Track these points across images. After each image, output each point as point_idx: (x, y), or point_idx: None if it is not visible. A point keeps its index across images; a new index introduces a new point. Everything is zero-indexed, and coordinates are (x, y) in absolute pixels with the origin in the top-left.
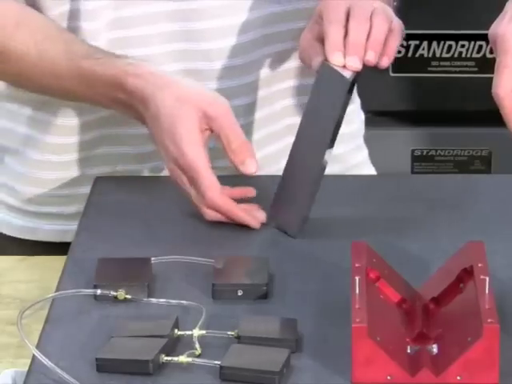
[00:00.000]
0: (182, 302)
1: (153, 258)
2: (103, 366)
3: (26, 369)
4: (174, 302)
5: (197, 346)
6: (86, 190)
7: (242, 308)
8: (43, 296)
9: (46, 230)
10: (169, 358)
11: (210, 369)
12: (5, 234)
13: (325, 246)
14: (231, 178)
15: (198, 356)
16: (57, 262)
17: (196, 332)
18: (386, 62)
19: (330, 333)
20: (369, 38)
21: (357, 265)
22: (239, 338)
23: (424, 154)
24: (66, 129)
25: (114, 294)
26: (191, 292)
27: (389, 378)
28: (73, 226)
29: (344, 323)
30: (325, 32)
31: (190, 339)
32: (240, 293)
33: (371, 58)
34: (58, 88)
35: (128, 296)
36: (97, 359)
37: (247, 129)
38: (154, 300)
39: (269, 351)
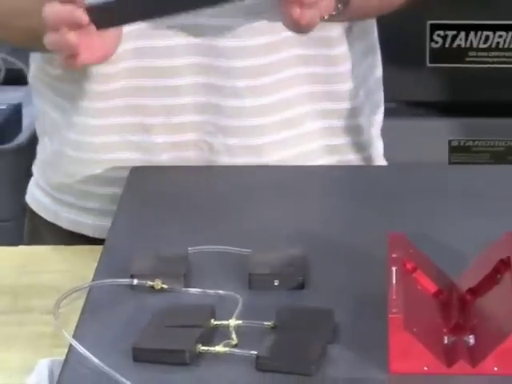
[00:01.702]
0: (219, 291)
1: (189, 248)
2: (139, 356)
3: (63, 358)
4: (210, 291)
5: (233, 335)
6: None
7: (278, 298)
8: (80, 286)
9: (89, 225)
10: (205, 348)
11: (247, 359)
12: (43, 218)
13: (361, 237)
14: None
15: (235, 346)
16: (94, 252)
17: (232, 322)
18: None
19: (366, 323)
20: None
21: (394, 255)
22: (275, 328)
23: (461, 144)
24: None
25: (151, 283)
26: (227, 282)
27: (425, 368)
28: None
29: (380, 314)
30: None
31: (227, 329)
32: (276, 283)
33: None
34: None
35: (164, 286)
36: (133, 349)
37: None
38: (190, 290)
39: (305, 341)
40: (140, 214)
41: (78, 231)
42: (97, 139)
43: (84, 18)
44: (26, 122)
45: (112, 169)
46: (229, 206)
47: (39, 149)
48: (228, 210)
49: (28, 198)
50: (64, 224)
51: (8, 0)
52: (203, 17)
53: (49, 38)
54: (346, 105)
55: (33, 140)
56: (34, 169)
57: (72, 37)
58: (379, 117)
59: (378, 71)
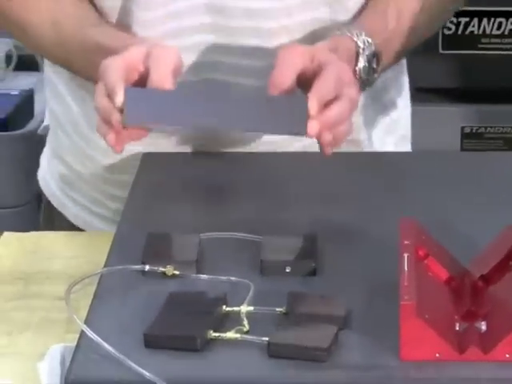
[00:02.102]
0: (231, 278)
1: (201, 234)
2: (151, 342)
3: (74, 344)
4: (222, 278)
5: (245, 322)
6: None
7: (290, 284)
8: (92, 271)
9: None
10: (216, 334)
11: (258, 345)
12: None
13: (373, 223)
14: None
15: (246, 332)
16: (105, 238)
17: (244, 308)
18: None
19: (378, 310)
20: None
21: (405, 242)
22: (287, 315)
23: (473, 131)
24: None
25: (163, 269)
26: (239, 268)
27: (437, 355)
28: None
29: (392, 301)
30: (315, 92)
31: (238, 315)
32: (288, 269)
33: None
34: (60, 54)
35: (176, 272)
36: (145, 335)
37: None
38: (202, 276)
39: (317, 328)
40: (152, 200)
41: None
42: None
43: (118, 126)
44: (37, 108)
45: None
46: (241, 193)
47: (51, 138)
48: (240, 197)
49: (41, 183)
50: (72, 218)
51: (61, 49)
52: None
53: (97, 124)
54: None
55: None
56: (44, 157)
57: (111, 138)
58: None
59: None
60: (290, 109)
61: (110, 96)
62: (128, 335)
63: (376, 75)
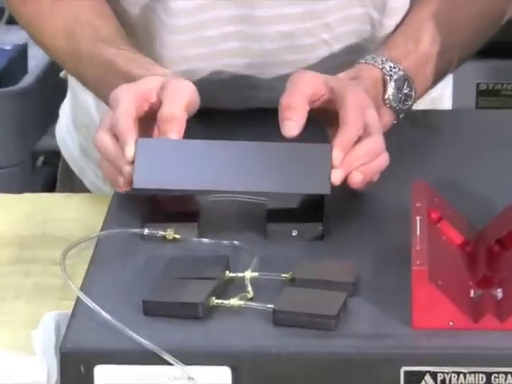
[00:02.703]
0: (234, 242)
1: (204, 197)
2: (150, 309)
3: (70, 311)
4: (225, 242)
5: (249, 288)
6: None
7: (296, 249)
8: (88, 235)
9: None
10: (219, 301)
11: (263, 313)
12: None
13: (384, 185)
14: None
15: (251, 299)
16: (104, 201)
17: (248, 274)
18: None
19: (388, 276)
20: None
21: (418, 205)
22: (293, 281)
23: (489, 87)
24: None
25: (163, 233)
26: (243, 233)
27: (451, 323)
28: None
29: (404, 266)
30: (341, 135)
31: (242, 282)
32: (294, 233)
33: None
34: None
35: (177, 236)
36: (143, 302)
37: None
38: (204, 240)
39: (324, 295)
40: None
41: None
42: None
43: (129, 178)
44: (31, 63)
45: None
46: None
47: (71, 103)
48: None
49: (60, 142)
50: (89, 185)
51: (73, 59)
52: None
53: (101, 164)
54: None
55: (39, 82)
56: (64, 113)
57: (123, 185)
58: None
59: None
60: (312, 162)
61: (120, 143)
62: (126, 302)
63: (410, 102)
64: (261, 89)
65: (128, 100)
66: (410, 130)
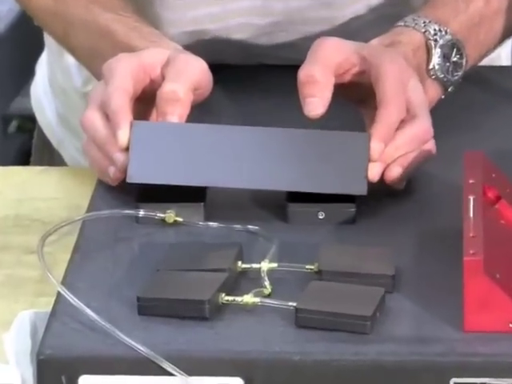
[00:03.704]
0: (248, 226)
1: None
2: (146, 308)
3: (49, 310)
4: (237, 226)
5: (266, 282)
6: None
7: (323, 235)
8: (71, 217)
9: None
10: (230, 298)
11: (283, 312)
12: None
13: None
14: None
15: (268, 296)
16: (88, 175)
17: (265, 265)
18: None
19: (435, 268)
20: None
21: (471, 181)
22: (320, 274)
23: None
24: None
25: (162, 215)
26: (259, 215)
27: (511, 325)
28: None
29: (453, 256)
30: (379, 121)
31: (258, 274)
32: (321, 216)
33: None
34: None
35: (179, 219)
36: (138, 298)
37: None
38: (211, 224)
39: (357, 290)
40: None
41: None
42: None
43: (122, 167)
44: (2, 7)
45: None
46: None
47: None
48: None
49: (35, 106)
50: (68, 159)
51: (60, 20)
52: None
53: (87, 148)
54: None
55: (12, 31)
56: (41, 70)
57: (116, 176)
58: None
59: None
60: (344, 155)
61: (112, 124)
62: (117, 299)
63: (460, 72)
64: (282, 48)
65: (125, 73)
66: (461, 89)
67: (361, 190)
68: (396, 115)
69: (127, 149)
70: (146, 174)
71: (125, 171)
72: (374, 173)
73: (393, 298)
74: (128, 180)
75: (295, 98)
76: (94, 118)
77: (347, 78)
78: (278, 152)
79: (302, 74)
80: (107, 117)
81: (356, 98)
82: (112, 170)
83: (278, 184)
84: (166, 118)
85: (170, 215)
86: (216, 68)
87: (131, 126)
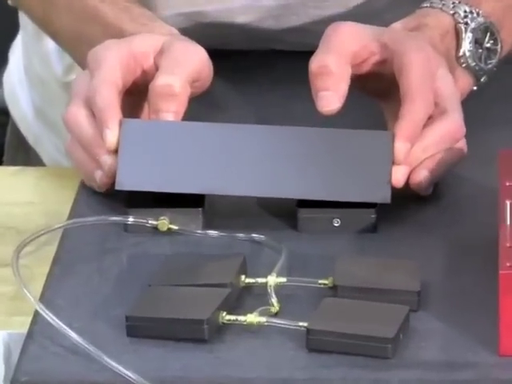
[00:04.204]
0: (252, 235)
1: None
2: (136, 329)
3: (25, 331)
4: (240, 235)
5: (273, 299)
6: None
7: (339, 245)
8: (50, 225)
9: None
10: (232, 318)
11: (293, 333)
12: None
13: None
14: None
15: (275, 315)
16: (70, 176)
17: (272, 280)
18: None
19: (465, 282)
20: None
21: (507, 183)
22: (335, 289)
23: None
24: None
25: (154, 223)
26: (265, 222)
27: None
28: None
29: (487, 269)
30: (404, 116)
31: (264, 290)
32: (337, 223)
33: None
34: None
35: (174, 226)
36: (127, 318)
37: None
38: (211, 233)
39: (378, 309)
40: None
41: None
42: None
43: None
44: None
45: None
46: None
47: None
48: None
49: (8, 98)
50: (46, 159)
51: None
52: None
53: (71, 149)
54: None
55: None
56: (14, 56)
57: (103, 181)
58: None
59: None
60: (364, 157)
61: (98, 123)
62: (103, 319)
63: (495, 59)
64: (292, 33)
65: (113, 63)
66: (495, 79)
67: (384, 197)
68: (423, 110)
69: (116, 151)
70: (137, 180)
71: (113, 176)
72: (398, 177)
73: (418, 317)
74: (117, 187)
75: (308, 89)
76: (79, 115)
77: (366, 68)
78: (288, 154)
79: (314, 64)
80: (93, 114)
81: (376, 92)
82: (99, 175)
83: (288, 191)
84: (159, 116)
85: (164, 222)
86: (217, 55)
87: (120, 124)
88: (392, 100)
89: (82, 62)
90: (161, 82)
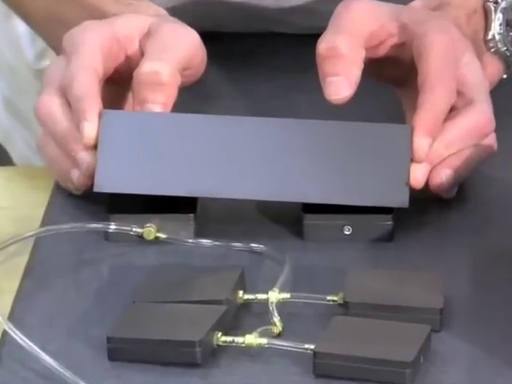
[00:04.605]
0: (252, 245)
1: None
2: (119, 351)
3: None
4: (237, 245)
5: (275, 318)
6: None
7: (350, 256)
8: (20, 233)
9: None
10: (228, 339)
11: (298, 357)
12: None
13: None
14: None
15: (278, 335)
16: (42, 177)
17: (274, 296)
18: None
19: (493, 298)
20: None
21: None
22: (345, 306)
23: None
24: None
25: (139, 230)
26: (266, 229)
27: None
28: None
29: None
30: (422, 106)
31: (265, 307)
32: (347, 230)
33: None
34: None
35: (161, 234)
36: (109, 339)
37: None
38: (204, 242)
39: (395, 329)
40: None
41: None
42: None
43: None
44: None
45: None
46: None
47: None
48: None
49: None
50: (16, 157)
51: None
52: None
53: (42, 144)
54: None
55: None
56: None
57: (80, 181)
58: None
59: None
60: (379, 154)
61: (75, 115)
62: (81, 340)
63: None
64: (294, 13)
65: (93, 47)
66: None
67: (401, 200)
68: (443, 100)
69: (95, 146)
70: (118, 181)
71: (92, 176)
72: (417, 176)
73: (441, 337)
74: (95, 189)
75: (313, 78)
76: (52, 105)
77: (382, 51)
78: (292, 151)
79: (323, 45)
80: (69, 105)
81: (393, 78)
82: (75, 175)
83: (291, 194)
84: (145, 107)
85: (150, 230)
86: (211, 38)
87: (100, 116)
88: (411, 88)
89: (56, 46)
90: (147, 69)
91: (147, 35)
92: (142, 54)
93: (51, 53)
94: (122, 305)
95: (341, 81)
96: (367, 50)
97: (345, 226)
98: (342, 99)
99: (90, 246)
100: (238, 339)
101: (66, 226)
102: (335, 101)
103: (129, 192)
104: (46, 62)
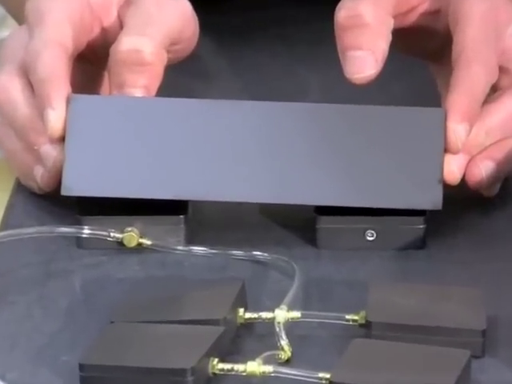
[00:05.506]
0: (255, 253)
1: None
2: (93, 381)
3: None
4: (237, 253)
5: (283, 342)
6: None
7: (373, 267)
8: None
9: None
10: (227, 367)
11: None
12: None
13: None
14: None
15: (286, 362)
16: (0, 174)
17: (282, 315)
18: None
19: None
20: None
21: None
22: (368, 327)
23: None
24: None
25: (118, 236)
26: (271, 235)
27: None
28: None
29: None
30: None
31: (270, 328)
32: (370, 236)
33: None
34: None
35: (145, 241)
36: (81, 367)
37: None
38: (197, 250)
39: (427, 354)
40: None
41: None
42: None
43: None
44: None
45: None
46: None
47: None
48: None
49: None
50: None
51: None
52: None
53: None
54: None
55: None
56: None
57: (44, 179)
58: None
59: None
60: (407, 144)
61: (38, 100)
62: (48, 366)
63: None
64: None
65: (61, 17)
66: None
67: (433, 201)
68: (482, 78)
69: (62, 139)
70: (90, 183)
71: (58, 174)
72: (452, 169)
73: (483, 364)
74: (63, 192)
75: (327, 54)
76: (12, 89)
77: (412, 19)
78: (302, 142)
79: (343, 13)
80: (31, 87)
81: (426, 52)
82: (39, 172)
83: (302, 196)
84: (124, 91)
85: (132, 235)
86: (204, 7)
87: (68, 102)
88: (448, 64)
89: (18, 14)
90: (126, 45)
91: (127, 2)
92: (120, 25)
93: (11, 21)
94: (98, 325)
95: (365, 56)
96: (395, 18)
97: (367, 230)
98: (366, 78)
99: (60, 254)
100: (239, 367)
101: (30, 231)
102: (357, 80)
103: (103, 195)
104: (4, 33)
